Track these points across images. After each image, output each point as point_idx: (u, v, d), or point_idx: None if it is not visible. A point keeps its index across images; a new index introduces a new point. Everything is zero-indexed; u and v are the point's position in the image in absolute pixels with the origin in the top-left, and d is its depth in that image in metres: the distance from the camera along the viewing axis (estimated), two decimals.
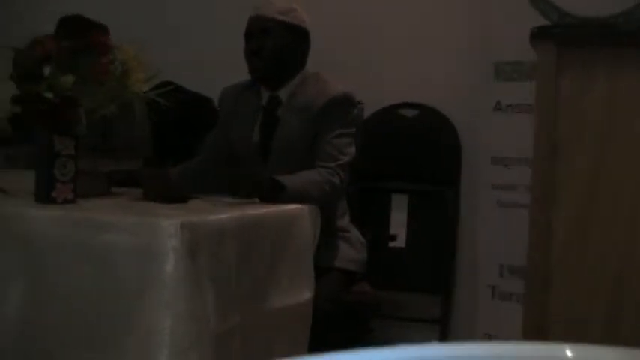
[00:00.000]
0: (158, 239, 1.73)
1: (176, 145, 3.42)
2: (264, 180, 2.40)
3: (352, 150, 2.65)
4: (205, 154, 2.86)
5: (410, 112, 3.71)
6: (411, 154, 3.63)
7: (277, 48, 2.66)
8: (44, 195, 2.00)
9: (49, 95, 2.03)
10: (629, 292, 1.61)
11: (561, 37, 1.63)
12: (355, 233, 2.82)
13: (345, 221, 2.81)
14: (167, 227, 1.73)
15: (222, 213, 1.98)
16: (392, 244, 3.47)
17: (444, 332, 3.58)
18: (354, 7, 3.83)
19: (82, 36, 2.08)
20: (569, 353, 0.50)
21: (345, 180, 2.60)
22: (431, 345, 0.48)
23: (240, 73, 2.76)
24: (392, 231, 3.57)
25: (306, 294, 2.29)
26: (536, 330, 1.60)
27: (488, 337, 3.30)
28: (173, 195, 2.20)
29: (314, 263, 2.36)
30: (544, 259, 1.61)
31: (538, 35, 1.66)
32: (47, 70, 2.06)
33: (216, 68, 3.57)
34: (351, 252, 2.75)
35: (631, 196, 1.60)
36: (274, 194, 2.35)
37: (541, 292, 1.62)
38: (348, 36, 3.73)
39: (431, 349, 0.49)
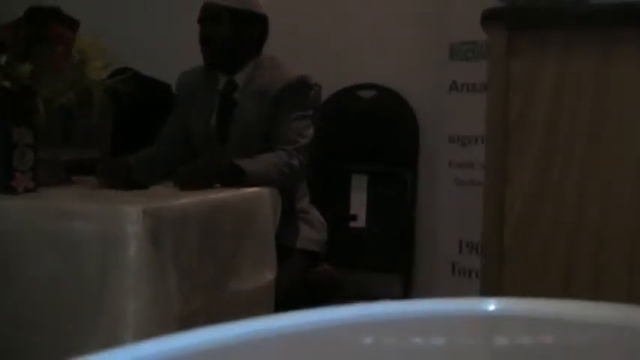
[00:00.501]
0: (120, 225, 1.75)
1: (135, 132, 3.41)
2: (223, 166, 2.42)
3: (310, 132, 2.68)
4: (163, 141, 2.86)
5: (367, 93, 3.74)
6: (369, 135, 3.66)
7: (227, 37, 2.67)
8: (3, 184, 2.00)
9: (6, 84, 2.03)
10: (581, 267, 1.66)
11: (512, 19, 1.67)
12: (315, 214, 2.85)
13: (304, 202, 2.84)
14: (129, 213, 1.75)
15: (183, 198, 2.00)
16: (352, 224, 3.50)
17: None
18: None
19: (38, 25, 2.07)
20: (492, 307, 0.55)
21: (304, 162, 2.63)
22: (370, 305, 0.52)
23: (197, 58, 2.76)
24: (352, 211, 3.60)
25: (269, 276, 2.32)
26: None
27: None
28: (132, 182, 2.21)
29: (275, 244, 2.39)
30: (498, 236, 1.66)
31: (489, 17, 1.69)
32: (3, 59, 2.05)
33: (173, 54, 3.56)
34: (312, 233, 2.79)
35: (580, 174, 1.65)
36: (234, 179, 2.38)
37: (496, 268, 1.66)
38: (304, 18, 3.74)
39: (373, 308, 0.53)
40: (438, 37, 3.47)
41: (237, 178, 2.38)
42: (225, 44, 2.67)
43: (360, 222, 3.59)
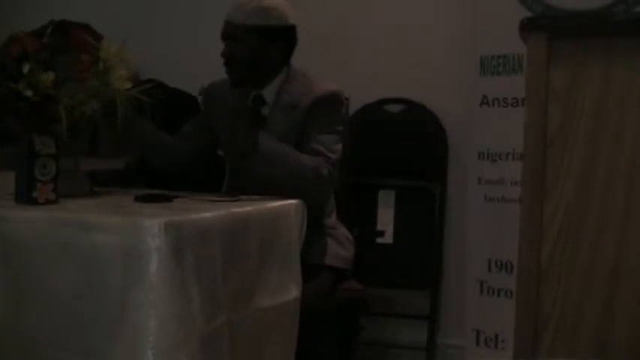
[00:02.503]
0: (141, 239, 1.70)
1: None
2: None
3: (340, 147, 2.60)
4: (181, 138, 2.80)
5: (396, 108, 3.68)
6: (397, 150, 3.60)
7: (246, 54, 2.60)
8: (25, 195, 1.96)
9: (29, 93, 1.99)
10: (624, 286, 1.59)
11: (552, 28, 1.61)
12: (342, 230, 2.79)
13: (332, 219, 2.79)
14: (150, 226, 1.70)
15: (207, 211, 1.94)
16: (379, 240, 3.44)
17: (433, 328, 3.56)
18: (339, 2, 3.80)
19: (62, 34, 2.04)
20: None
21: (335, 176, 2.56)
22: None
23: (221, 69, 2.70)
24: (379, 227, 3.54)
25: (294, 292, 2.26)
26: (530, 326, 1.58)
27: (477, 332, 3.28)
28: (157, 196, 2.16)
29: (302, 261, 2.33)
30: (536, 254, 1.59)
31: (528, 26, 1.63)
32: (26, 68, 2.02)
33: (197, 65, 3.52)
34: (339, 249, 2.72)
35: (624, 189, 1.58)
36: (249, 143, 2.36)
37: (534, 287, 1.59)
38: (332, 32, 3.70)
39: None
40: (467, 50, 3.41)
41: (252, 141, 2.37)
42: (247, 63, 2.60)
43: (388, 238, 3.53)
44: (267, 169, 2.41)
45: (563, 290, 1.61)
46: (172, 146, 2.76)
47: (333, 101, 2.64)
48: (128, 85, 2.14)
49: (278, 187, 2.41)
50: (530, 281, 1.60)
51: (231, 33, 2.62)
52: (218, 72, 2.75)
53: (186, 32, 3.98)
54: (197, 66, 3.56)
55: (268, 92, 2.67)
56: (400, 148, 3.60)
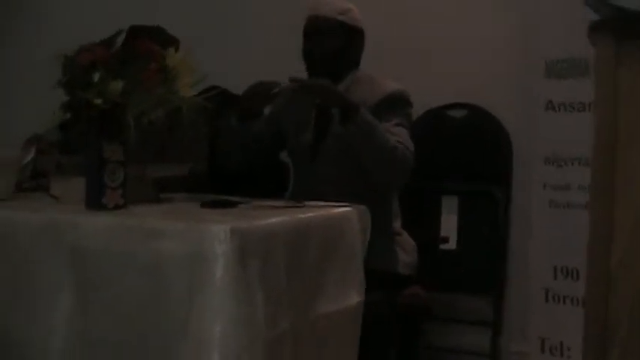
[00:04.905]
0: (208, 245, 1.72)
1: None
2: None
3: (412, 144, 2.60)
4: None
5: (459, 113, 3.66)
6: (460, 155, 3.57)
7: (333, 48, 2.68)
8: (95, 201, 2.00)
9: (98, 102, 2.04)
10: None
11: (621, 29, 1.58)
12: (406, 237, 2.79)
13: (397, 225, 2.78)
14: (217, 232, 1.72)
15: (271, 217, 1.96)
16: (443, 246, 3.42)
17: (496, 335, 3.52)
18: (401, 7, 3.79)
19: (131, 42, 2.08)
20: None
21: (412, 165, 2.55)
22: None
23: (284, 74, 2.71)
24: (442, 233, 3.52)
25: (356, 298, 2.26)
26: (598, 334, 1.56)
27: (542, 340, 3.23)
28: (221, 202, 2.18)
29: (366, 267, 2.33)
30: (605, 261, 1.56)
31: (597, 29, 1.61)
32: (96, 77, 2.06)
33: (259, 70, 3.55)
34: (404, 256, 2.72)
35: None
36: (351, 107, 2.43)
37: (603, 294, 1.56)
38: (394, 37, 3.69)
39: None
40: (532, 54, 3.36)
41: (353, 109, 2.43)
42: (331, 56, 2.68)
43: (452, 244, 3.50)
44: (363, 138, 2.45)
45: (633, 297, 1.58)
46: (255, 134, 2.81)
47: (401, 99, 2.67)
48: (192, 92, 2.17)
49: (369, 159, 2.48)
50: (599, 289, 1.57)
51: (320, 26, 2.69)
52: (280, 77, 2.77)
53: (248, 38, 4.01)
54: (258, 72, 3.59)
55: None
56: (463, 153, 3.57)
